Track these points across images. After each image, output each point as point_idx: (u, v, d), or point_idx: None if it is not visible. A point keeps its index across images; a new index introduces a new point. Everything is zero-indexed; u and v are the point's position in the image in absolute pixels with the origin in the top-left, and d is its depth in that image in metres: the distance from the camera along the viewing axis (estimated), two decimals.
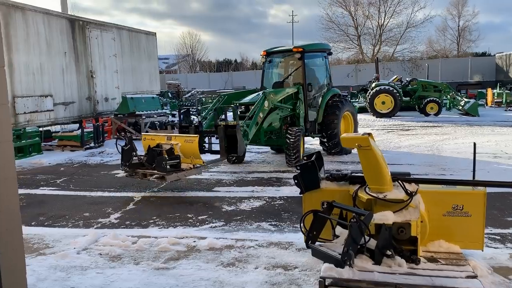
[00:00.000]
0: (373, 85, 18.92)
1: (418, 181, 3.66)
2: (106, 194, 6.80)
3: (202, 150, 7.44)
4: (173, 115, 15.43)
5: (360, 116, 18.69)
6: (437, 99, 18.29)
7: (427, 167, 8.01)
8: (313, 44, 9.71)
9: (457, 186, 3.66)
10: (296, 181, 3.83)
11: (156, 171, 6.32)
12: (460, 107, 18.09)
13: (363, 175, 3.71)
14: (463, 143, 10.70)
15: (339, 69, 35.58)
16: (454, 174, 7.39)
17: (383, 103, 18.16)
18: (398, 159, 8.80)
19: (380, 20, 35.15)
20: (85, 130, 12.32)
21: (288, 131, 8.20)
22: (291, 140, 8.00)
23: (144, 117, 13.25)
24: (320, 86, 9.60)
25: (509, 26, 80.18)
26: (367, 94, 19.12)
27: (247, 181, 7.35)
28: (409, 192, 3.47)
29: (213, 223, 5.09)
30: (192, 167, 6.72)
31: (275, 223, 5.01)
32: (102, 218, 5.48)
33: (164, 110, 15.49)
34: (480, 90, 25.01)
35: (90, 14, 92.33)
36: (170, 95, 25.97)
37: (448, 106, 19.31)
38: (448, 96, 18.57)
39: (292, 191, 6.52)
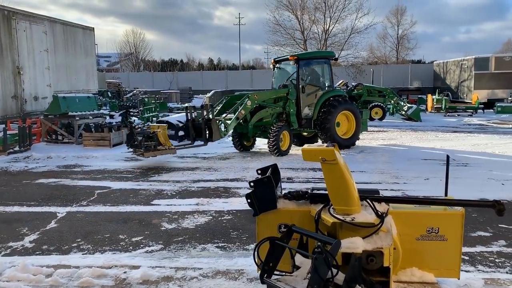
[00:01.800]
0: None
1: (388, 200, 3.18)
2: (24, 209, 5.82)
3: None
4: (112, 116, 14.30)
5: None
6: (382, 104, 18.52)
7: (379, 175, 7.72)
8: (313, 52, 12.01)
9: (431, 206, 3.21)
10: (249, 200, 3.21)
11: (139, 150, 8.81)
12: (403, 112, 18.41)
13: (326, 192, 3.17)
14: (412, 148, 10.65)
15: None
16: (407, 182, 7.13)
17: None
18: (349, 166, 8.46)
19: (325, 25, 35.51)
20: (9, 132, 10.98)
21: (272, 126, 9.73)
22: (272, 134, 9.56)
23: (77, 118, 12.08)
24: (318, 87, 10.70)
25: (440, 37, 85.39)
26: None
27: (191, 192, 6.64)
28: (379, 213, 2.98)
29: (149, 246, 4.35)
30: (166, 148, 9.03)
31: (223, 244, 4.36)
32: (14, 241, 4.56)
33: (101, 111, 14.32)
34: (420, 96, 25.84)
35: (24, 7, 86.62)
36: (110, 95, 24.48)
37: (391, 111, 19.61)
38: (392, 101, 18.84)
39: (242, 203, 5.90)
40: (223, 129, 9.49)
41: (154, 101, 20.06)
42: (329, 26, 35.39)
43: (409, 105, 18.74)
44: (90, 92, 16.46)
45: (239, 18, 54.95)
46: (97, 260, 3.91)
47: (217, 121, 9.45)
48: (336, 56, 11.60)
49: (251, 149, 10.91)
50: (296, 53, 10.95)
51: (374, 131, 14.55)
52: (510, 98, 22.04)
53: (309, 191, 3.35)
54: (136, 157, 9.62)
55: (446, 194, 3.40)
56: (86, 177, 7.91)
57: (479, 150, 10.19)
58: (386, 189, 6.67)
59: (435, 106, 21.64)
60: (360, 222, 2.92)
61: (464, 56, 26.02)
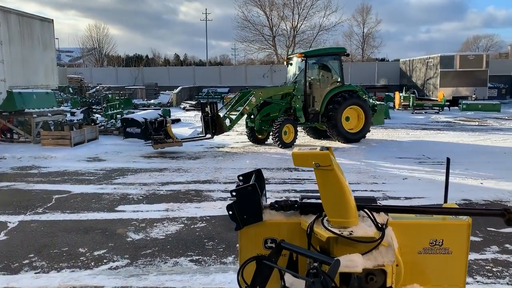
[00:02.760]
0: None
1: (388, 209, 2.84)
2: None
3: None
4: (73, 114, 13.47)
5: None
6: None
7: (357, 175, 7.47)
8: (322, 49, 12.01)
9: (433, 215, 2.89)
10: (230, 212, 2.79)
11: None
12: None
13: (318, 202, 2.80)
14: (385, 146, 10.51)
15: (254, 70, 35.22)
16: (386, 182, 6.90)
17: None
18: None
19: (294, 22, 35.39)
20: None
21: (276, 120, 10.36)
22: (275, 127, 10.19)
23: (35, 115, 11.25)
24: (326, 83, 11.05)
25: (402, 36, 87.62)
26: None
27: (159, 196, 6.14)
28: (380, 225, 2.64)
29: (113, 261, 3.85)
30: (173, 141, 9.87)
31: (197, 257, 3.92)
32: None
33: (61, 108, 13.47)
34: (387, 93, 26.08)
35: None
36: (71, 91, 23.36)
37: None
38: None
39: (216, 208, 5.48)
40: (228, 124, 10.40)
41: (118, 98, 19.18)
42: (297, 23, 35.33)
43: (378, 102, 18.75)
44: (49, 87, 15.46)
45: (206, 14, 54.05)
46: (52, 280, 3.39)
47: (223, 117, 10.33)
48: (348, 52, 11.71)
49: (265, 142, 11.21)
50: (305, 51, 11.56)
51: None
52: (474, 96, 22.54)
53: (298, 200, 2.96)
54: (99, 158, 9.06)
55: (446, 201, 3.09)
56: (44, 180, 7.25)
57: (452, 147, 10.15)
58: (366, 190, 6.41)
59: (402, 104, 21.83)
60: (360, 237, 2.55)
61: (425, 55, 26.47)
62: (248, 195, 2.75)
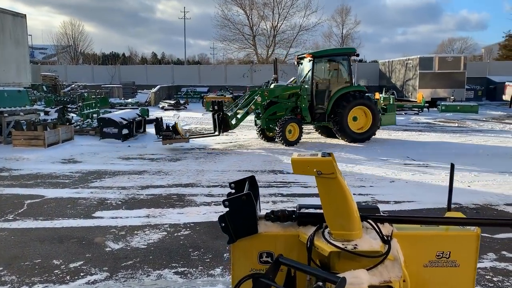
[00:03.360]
0: (272, 86, 18.35)
1: (392, 220, 2.65)
2: None
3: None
4: (47, 113, 12.94)
5: None
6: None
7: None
8: (331, 49, 12.06)
9: (440, 226, 2.71)
10: (223, 224, 2.55)
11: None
12: None
13: (317, 212, 2.58)
14: (368, 148, 10.42)
15: (234, 69, 34.93)
16: (374, 185, 6.76)
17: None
18: None
19: (274, 22, 35.28)
20: None
21: (279, 119, 10.62)
22: (279, 125, 10.49)
23: (6, 114, 10.71)
24: (333, 83, 11.20)
25: (379, 37, 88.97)
26: None
27: (140, 201, 5.83)
28: (385, 238, 2.45)
29: (91, 274, 3.55)
30: (181, 137, 10.29)
31: (183, 269, 3.66)
32: None
33: (34, 107, 12.90)
34: (367, 95, 26.15)
35: None
36: (45, 89, 22.60)
37: None
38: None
39: (200, 213, 5.22)
40: (234, 122, 10.84)
41: (94, 96, 18.65)
42: (277, 23, 35.25)
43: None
44: (22, 85, 14.87)
45: (184, 12, 53.40)
46: None
47: (230, 116, 10.81)
48: (357, 52, 11.75)
49: (275, 139, 11.29)
50: (313, 51, 11.79)
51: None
52: (452, 98, 22.83)
53: (296, 210, 2.74)
54: (74, 159, 8.66)
55: (449, 209, 2.92)
56: (15, 184, 6.83)
57: (435, 149, 10.13)
58: (354, 194, 6.23)
59: (382, 104, 21.91)
60: (365, 251, 2.35)
61: (402, 57, 26.73)
62: (242, 205, 2.52)
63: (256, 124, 11.66)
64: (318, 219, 2.58)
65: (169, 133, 10.19)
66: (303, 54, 12.33)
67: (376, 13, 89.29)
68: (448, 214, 2.85)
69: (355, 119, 11.00)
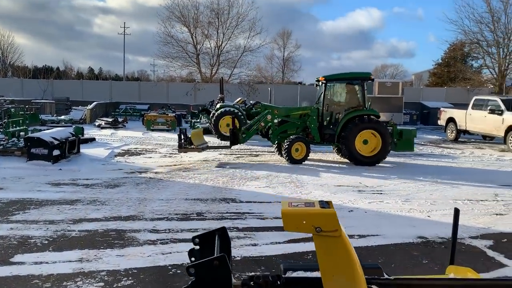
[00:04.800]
0: (218, 106, 17.82)
1: (400, 285, 2.15)
2: None
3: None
4: None
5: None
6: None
7: None
8: (344, 74, 11.89)
9: None
10: None
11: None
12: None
13: (310, 276, 2.03)
14: (319, 172, 10.10)
15: (177, 87, 34.02)
16: None
17: (228, 125, 17.16)
18: (263, 195, 7.48)
19: (218, 41, 34.99)
20: None
21: (286, 138, 11.29)
22: (286, 142, 11.14)
23: None
24: (344, 106, 11.65)
25: (316, 61, 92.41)
26: (211, 115, 17.91)
27: (71, 239, 4.95)
28: None
29: None
30: (194, 147, 11.39)
31: None
32: None
33: None
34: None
35: None
36: None
37: None
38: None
39: (144, 255, 4.46)
40: (243, 137, 11.77)
41: (23, 112, 16.99)
42: (222, 42, 35.00)
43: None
44: None
45: (124, 27, 51.81)
46: None
47: (241, 130, 11.89)
48: (373, 77, 11.92)
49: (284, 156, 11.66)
50: (327, 75, 12.01)
51: (273, 151, 13.92)
52: (392, 121, 23.53)
53: (281, 275, 2.16)
54: None
55: (452, 262, 2.48)
56: None
57: (386, 175, 10.01)
58: None
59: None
60: None
61: None
62: (214, 272, 1.91)
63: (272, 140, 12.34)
64: (310, 285, 2.03)
65: (185, 143, 11.38)
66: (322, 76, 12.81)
67: (314, 38, 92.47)
68: (451, 268, 2.40)
69: (365, 142, 11.13)
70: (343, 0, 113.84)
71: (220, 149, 12.83)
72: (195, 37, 34.66)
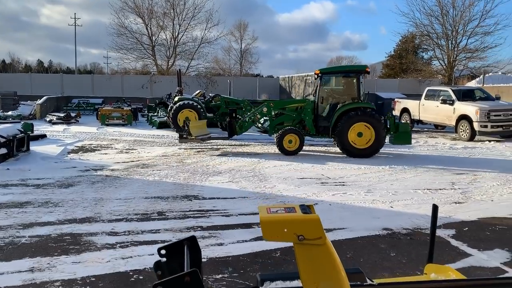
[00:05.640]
0: (176, 99, 17.39)
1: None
2: None
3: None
4: None
5: (161, 132, 16.89)
6: (240, 117, 18.00)
7: (264, 201, 6.72)
8: (340, 67, 12.91)
9: None
10: None
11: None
12: (260, 125, 18.16)
13: (292, 286, 1.88)
14: (281, 165, 10.03)
15: (132, 80, 33.02)
16: None
17: (187, 118, 16.80)
18: (227, 191, 7.30)
19: (174, 32, 34.20)
20: None
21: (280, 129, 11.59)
22: (278, 133, 11.41)
23: None
24: (339, 99, 11.86)
25: (273, 53, 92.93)
26: (169, 108, 17.45)
27: (21, 247, 4.56)
28: None
29: None
30: (193, 138, 12.08)
31: None
32: None
33: None
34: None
35: None
36: None
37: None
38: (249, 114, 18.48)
39: (103, 261, 4.18)
40: (238, 129, 12.20)
41: None
42: (178, 34, 34.24)
43: (265, 117, 18.61)
44: None
45: (75, 18, 49.67)
46: None
47: (238, 122, 12.33)
48: (369, 70, 12.05)
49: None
50: (323, 68, 12.34)
51: (236, 144, 13.76)
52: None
53: (258, 286, 1.99)
54: None
55: (431, 259, 2.41)
56: None
57: (345, 165, 10.08)
58: None
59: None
60: None
61: (295, 73, 27.65)
62: None
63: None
64: None
65: (184, 133, 12.20)
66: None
67: (270, 30, 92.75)
68: (430, 267, 2.32)
69: (360, 134, 11.18)
70: None
71: (189, 143, 12.86)
72: (150, 28, 33.75)
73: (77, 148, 12.54)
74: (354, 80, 11.80)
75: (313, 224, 1.60)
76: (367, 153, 11.27)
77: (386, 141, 11.58)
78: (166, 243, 1.87)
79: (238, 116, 12.95)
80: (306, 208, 1.71)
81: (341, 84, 12.29)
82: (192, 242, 1.96)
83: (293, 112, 11.95)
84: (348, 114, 11.25)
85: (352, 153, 11.27)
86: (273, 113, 12.12)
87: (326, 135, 11.94)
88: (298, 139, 11.38)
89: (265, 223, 1.62)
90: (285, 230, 1.61)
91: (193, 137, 11.99)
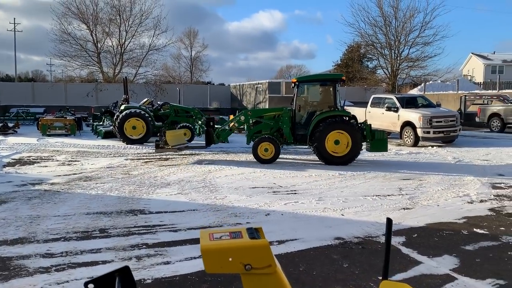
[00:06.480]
0: (122, 107, 16.76)
1: None
2: None
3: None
4: None
5: (107, 143, 16.18)
6: (190, 125, 17.65)
7: (214, 213, 6.47)
8: (316, 75, 13.11)
9: None
10: None
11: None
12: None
13: None
14: (233, 174, 9.84)
15: (76, 88, 31.65)
16: (250, 221, 6.09)
17: (134, 128, 16.23)
18: (175, 204, 6.99)
19: (121, 39, 33.18)
20: None
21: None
22: (254, 142, 11.58)
23: None
24: (316, 107, 11.90)
25: (223, 62, 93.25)
26: (115, 117, 16.78)
27: None
28: None
29: None
30: (169, 147, 12.19)
31: None
32: None
33: None
34: (221, 117, 26.18)
35: None
36: None
37: (198, 132, 18.94)
38: (200, 122, 18.18)
39: (59, 283, 3.77)
40: (216, 138, 12.40)
41: None
42: (125, 41, 33.26)
43: (218, 126, 18.35)
44: None
45: (15, 23, 47.06)
46: None
47: (216, 131, 12.63)
48: (344, 78, 12.25)
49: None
50: (298, 76, 12.92)
51: (186, 154, 13.40)
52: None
53: None
54: None
55: (386, 276, 2.30)
56: None
57: (297, 173, 10.05)
58: None
59: (237, 127, 21.99)
60: None
61: (246, 81, 27.74)
62: None
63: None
64: None
65: (161, 143, 12.12)
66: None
67: (221, 38, 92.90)
68: (386, 284, 2.21)
69: (336, 142, 11.20)
70: (247, 1, 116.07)
71: (165, 152, 12.88)
72: (95, 34, 32.55)
73: (13, 161, 11.70)
74: (331, 89, 11.84)
75: (261, 251, 1.43)
76: (344, 161, 11.30)
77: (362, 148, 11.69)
78: (94, 277, 1.62)
79: (214, 125, 12.99)
80: (254, 232, 1.54)
81: (318, 92, 12.33)
82: (124, 273, 1.72)
83: (270, 121, 11.93)
84: (325, 122, 11.28)
85: (329, 160, 11.26)
86: (251, 122, 12.10)
87: (303, 143, 11.93)
88: (273, 147, 11.42)
89: (206, 252, 1.43)
90: (230, 259, 1.43)
91: (170, 147, 11.96)
